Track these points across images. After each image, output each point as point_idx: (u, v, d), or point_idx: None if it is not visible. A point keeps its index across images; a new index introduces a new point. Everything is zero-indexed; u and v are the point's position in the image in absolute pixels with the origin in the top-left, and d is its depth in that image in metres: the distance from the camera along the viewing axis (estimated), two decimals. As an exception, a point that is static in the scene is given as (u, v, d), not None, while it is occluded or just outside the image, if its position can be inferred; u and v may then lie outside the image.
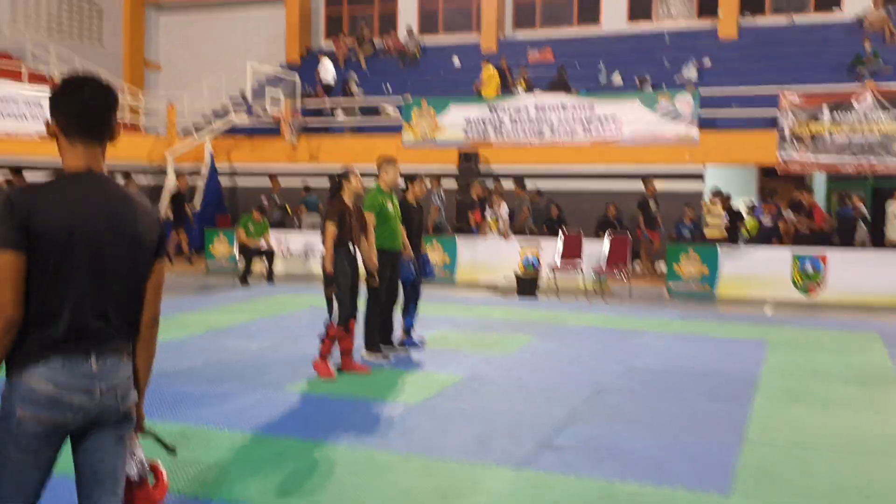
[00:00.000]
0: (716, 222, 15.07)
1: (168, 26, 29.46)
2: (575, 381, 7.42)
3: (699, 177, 17.89)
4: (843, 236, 15.52)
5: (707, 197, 18.12)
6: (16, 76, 19.62)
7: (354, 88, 21.14)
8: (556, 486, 4.82)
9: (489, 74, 20.01)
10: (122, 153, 20.32)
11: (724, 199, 15.57)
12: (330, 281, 7.54)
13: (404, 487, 4.77)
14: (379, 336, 8.36)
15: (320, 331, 7.67)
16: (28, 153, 17.44)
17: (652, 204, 16.59)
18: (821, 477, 5.01)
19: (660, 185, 17.55)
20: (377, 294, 8.18)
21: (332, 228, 7.48)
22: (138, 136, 22.07)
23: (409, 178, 9.13)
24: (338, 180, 7.76)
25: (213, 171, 20.01)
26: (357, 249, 7.82)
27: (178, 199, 17.85)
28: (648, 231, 16.44)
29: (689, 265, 13.72)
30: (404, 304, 8.97)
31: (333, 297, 7.59)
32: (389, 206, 8.30)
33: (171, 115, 22.46)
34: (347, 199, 7.68)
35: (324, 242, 7.57)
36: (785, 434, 5.88)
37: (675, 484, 4.84)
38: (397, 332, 8.87)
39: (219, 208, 19.62)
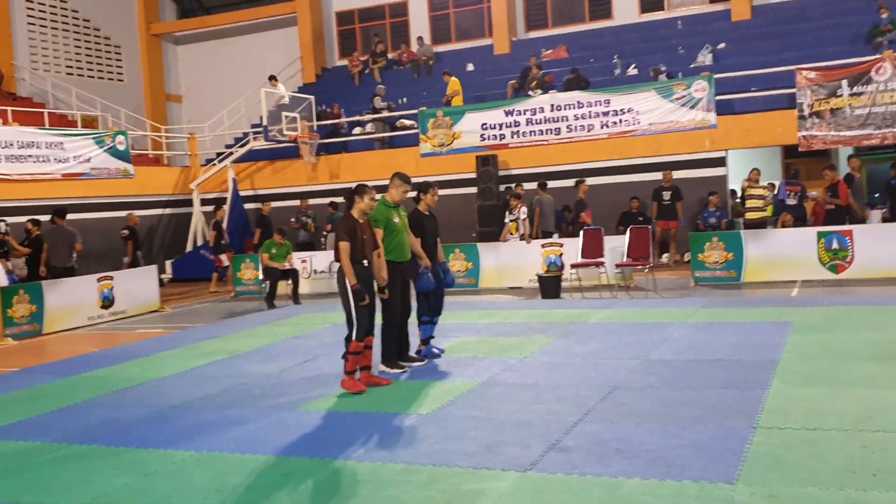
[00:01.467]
0: (757, 204, 14.93)
1: (186, 57, 29.90)
2: (590, 380, 7.36)
3: (721, 162, 17.69)
4: (894, 208, 15.33)
5: (731, 183, 17.99)
6: (38, 119, 20.03)
7: (379, 104, 21.11)
8: (559, 488, 4.78)
9: (454, 87, 20.05)
10: (149, 187, 20.76)
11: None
12: (356, 295, 7.50)
13: (406, 499, 4.76)
14: (395, 349, 8.37)
15: (343, 351, 7.69)
16: (50, 194, 17.81)
17: (666, 194, 16.52)
18: (830, 458, 4.91)
19: (682, 174, 17.47)
20: (391, 307, 8.20)
21: (345, 245, 7.51)
22: (163, 170, 22.41)
23: (421, 188, 9.13)
24: (351, 196, 7.82)
25: (237, 198, 20.21)
26: (370, 264, 7.85)
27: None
28: (662, 221, 16.33)
29: (714, 252, 13.54)
30: (419, 314, 8.97)
31: (352, 313, 7.58)
32: (395, 218, 8.33)
33: (192, 146, 22.76)
34: (357, 215, 7.72)
35: (338, 260, 7.59)
36: (798, 418, 5.77)
37: (681, 478, 4.78)
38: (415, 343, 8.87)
39: (245, 234, 19.80)
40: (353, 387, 7.50)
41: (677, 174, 17.32)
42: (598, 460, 5.19)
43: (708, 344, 8.61)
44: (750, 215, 15.34)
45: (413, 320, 8.86)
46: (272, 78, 22.27)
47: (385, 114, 20.92)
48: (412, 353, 8.75)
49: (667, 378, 7.27)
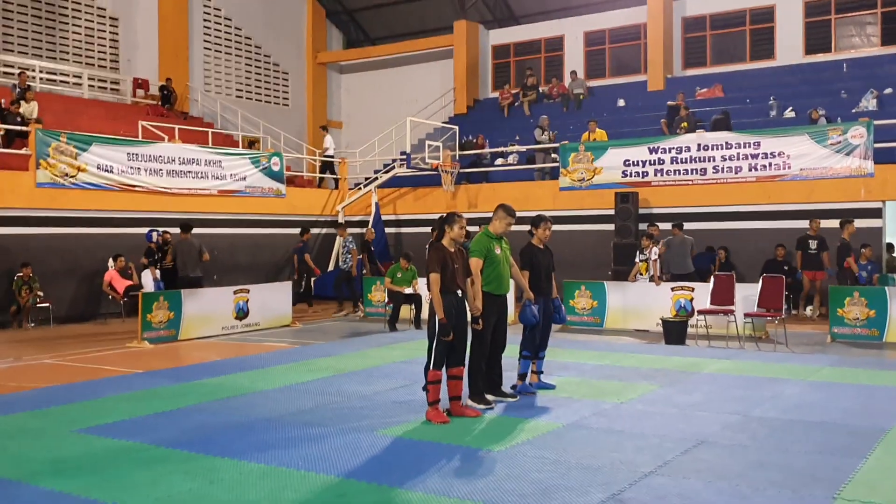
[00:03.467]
0: None
1: (348, 86, 31.14)
2: (678, 432, 7.03)
3: (878, 213, 16.58)
4: None
5: (888, 236, 16.85)
6: (204, 138, 21.35)
7: (541, 136, 21.02)
8: (600, 541, 4.59)
9: (598, 134, 19.66)
10: (299, 207, 21.66)
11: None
12: (442, 330, 7.53)
13: (441, 534, 4.71)
14: (485, 383, 8.29)
15: (423, 383, 7.71)
16: (206, 209, 18.91)
17: (812, 243, 15.65)
18: (901, 543, 4.48)
19: (833, 223, 16.48)
20: (482, 339, 8.15)
21: (435, 276, 7.55)
22: (313, 191, 23.34)
23: (534, 222, 9.10)
24: (441, 226, 7.85)
25: (379, 221, 20.77)
26: (464, 293, 7.85)
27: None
28: (808, 272, 15.49)
29: (855, 308, 12.67)
30: (521, 348, 8.88)
31: (433, 343, 7.61)
32: (497, 250, 8.30)
33: (343, 170, 23.60)
34: (448, 244, 7.74)
35: (430, 290, 7.65)
36: (887, 492, 5.30)
37: (733, 544, 4.48)
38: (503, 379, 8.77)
39: (384, 256, 20.26)
40: (436, 417, 7.50)
41: (828, 223, 16.37)
42: (651, 516, 4.96)
43: (819, 405, 8.06)
44: None
45: (514, 354, 8.81)
46: (323, 128, 23.78)
47: (546, 145, 20.70)
48: (507, 388, 8.66)
49: (760, 437, 6.85)
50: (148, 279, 15.11)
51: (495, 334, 8.31)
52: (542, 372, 9.12)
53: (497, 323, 8.29)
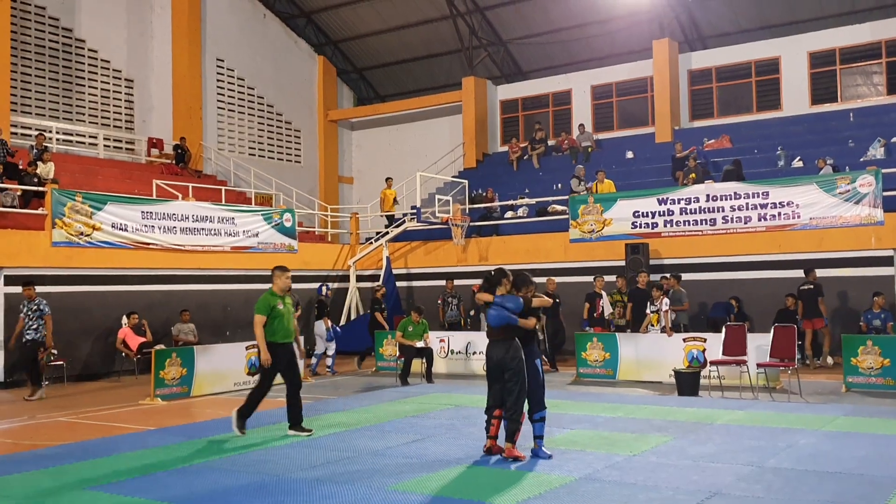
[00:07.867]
0: None
1: (359, 142, 31.56)
2: (692, 484, 6.99)
3: (889, 262, 16.56)
4: None
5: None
6: (216, 196, 21.61)
7: (577, 186, 20.85)
8: None
9: (609, 190, 19.84)
10: (312, 262, 21.80)
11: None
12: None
13: (452, 590, 4.69)
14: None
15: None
16: (219, 265, 19.08)
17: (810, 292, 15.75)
18: None
19: (845, 272, 16.57)
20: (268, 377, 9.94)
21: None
22: (325, 246, 23.51)
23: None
24: (499, 279, 8.38)
25: (390, 275, 20.87)
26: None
27: None
28: (806, 320, 15.50)
29: (869, 357, 12.61)
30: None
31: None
32: (280, 305, 9.75)
33: (353, 225, 23.81)
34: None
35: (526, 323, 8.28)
36: (901, 545, 5.25)
37: None
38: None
39: (396, 310, 20.31)
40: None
41: (840, 272, 16.40)
42: (664, 569, 4.92)
43: (834, 454, 8.00)
44: None
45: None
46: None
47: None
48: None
49: (774, 488, 6.80)
50: (321, 329, 17.12)
51: (290, 376, 9.90)
52: (540, 436, 8.30)
53: (288, 365, 9.90)
